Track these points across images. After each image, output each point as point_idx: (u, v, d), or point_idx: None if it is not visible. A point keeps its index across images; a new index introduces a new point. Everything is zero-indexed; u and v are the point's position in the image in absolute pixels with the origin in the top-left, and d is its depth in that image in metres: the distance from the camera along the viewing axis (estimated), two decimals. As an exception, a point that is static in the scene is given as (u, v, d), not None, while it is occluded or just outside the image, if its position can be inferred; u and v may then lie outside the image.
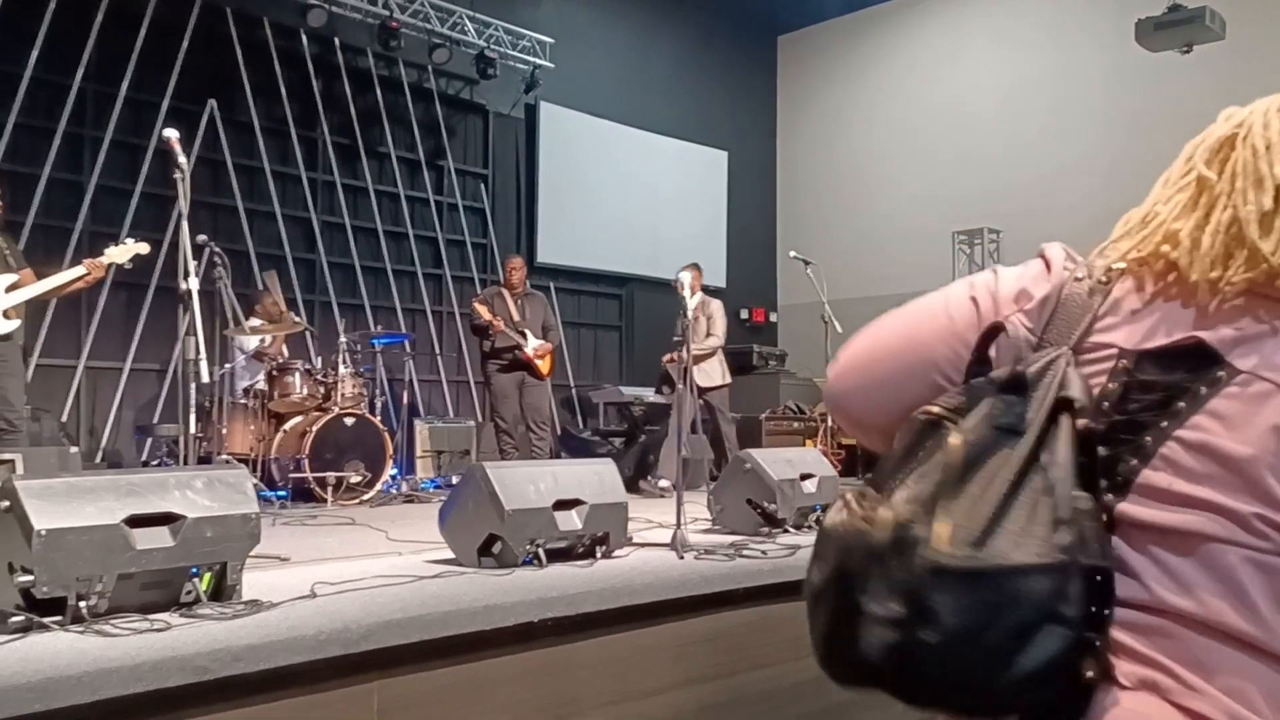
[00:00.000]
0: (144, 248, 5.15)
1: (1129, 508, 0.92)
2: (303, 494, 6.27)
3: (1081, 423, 0.92)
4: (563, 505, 3.42)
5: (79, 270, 5.15)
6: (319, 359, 7.29)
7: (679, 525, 3.75)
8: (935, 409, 0.97)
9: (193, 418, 3.83)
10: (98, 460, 7.47)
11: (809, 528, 4.30)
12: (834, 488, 4.62)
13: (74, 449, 5.65)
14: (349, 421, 6.59)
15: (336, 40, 9.48)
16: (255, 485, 5.96)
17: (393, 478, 7.03)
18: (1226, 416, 0.90)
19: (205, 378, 3.79)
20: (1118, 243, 1.05)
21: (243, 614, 2.49)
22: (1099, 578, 0.89)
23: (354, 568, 3.22)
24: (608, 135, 11.56)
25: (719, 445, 7.79)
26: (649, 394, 9.25)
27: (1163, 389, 0.93)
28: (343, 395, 6.71)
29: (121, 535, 2.40)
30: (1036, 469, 0.91)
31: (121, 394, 8.01)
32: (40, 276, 5.27)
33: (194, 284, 3.82)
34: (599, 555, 3.50)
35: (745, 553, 3.68)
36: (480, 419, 9.07)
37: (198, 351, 3.75)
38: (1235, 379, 0.91)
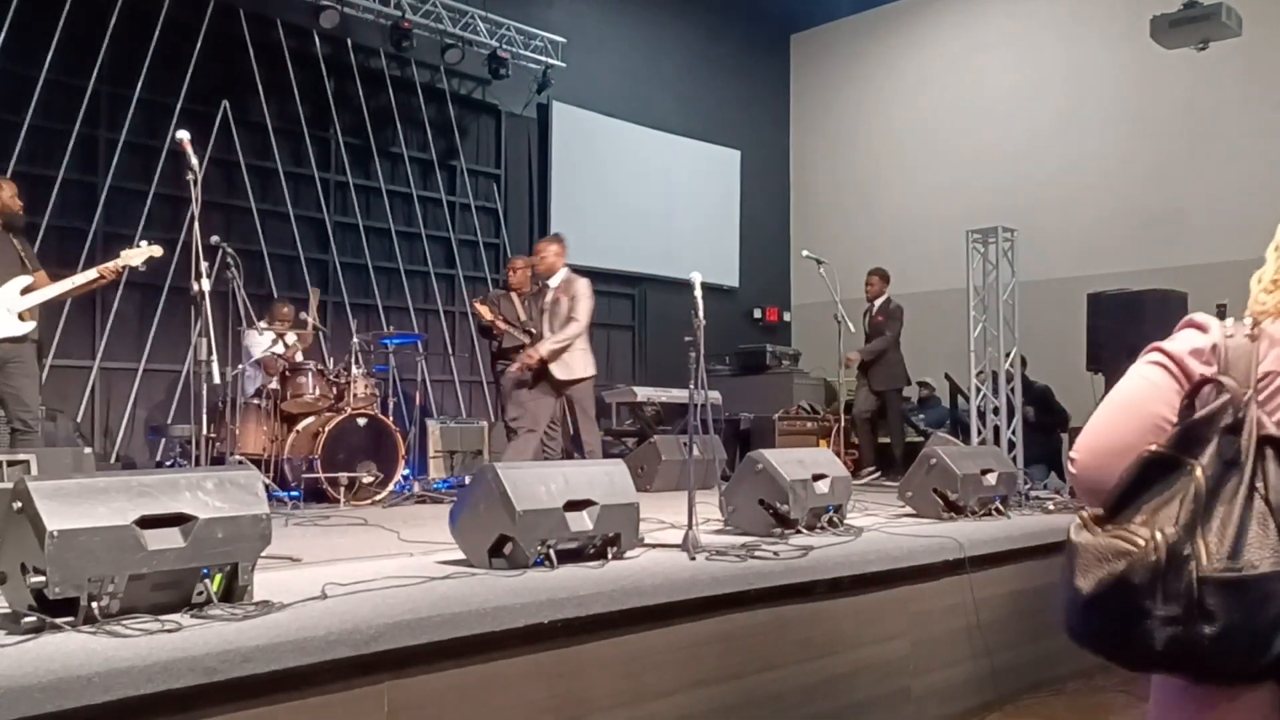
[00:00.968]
0: (158, 250, 5.17)
1: None
2: (315, 494, 6.29)
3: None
4: (574, 506, 3.42)
5: (91, 274, 5.16)
6: (331, 359, 7.30)
7: (690, 526, 3.73)
8: (1160, 448, 1.26)
9: (205, 418, 3.83)
10: (112, 461, 7.50)
11: (821, 529, 4.28)
12: (846, 488, 4.60)
13: (88, 450, 5.67)
14: (361, 422, 6.60)
15: (349, 41, 9.50)
16: (268, 486, 6.00)
17: (405, 478, 7.03)
18: None
19: (216, 379, 3.79)
20: (1254, 303, 1.37)
21: (253, 615, 2.49)
22: None
23: (365, 568, 3.22)
24: (620, 134, 11.55)
25: (579, 446, 6.51)
26: (663, 394, 9.24)
27: None
28: (355, 396, 6.72)
29: (133, 536, 2.41)
30: (1256, 493, 1.21)
31: (135, 395, 8.05)
32: (54, 279, 5.30)
33: (205, 285, 3.83)
34: (610, 556, 3.50)
35: (757, 554, 3.66)
36: (493, 419, 9.08)
37: (209, 352, 3.76)
38: None
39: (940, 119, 12.10)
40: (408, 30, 9.42)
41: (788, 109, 13.71)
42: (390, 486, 6.61)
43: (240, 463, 5.75)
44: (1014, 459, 7.56)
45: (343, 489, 6.25)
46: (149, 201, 8.09)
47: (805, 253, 8.58)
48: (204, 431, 3.92)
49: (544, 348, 5.97)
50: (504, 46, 10.20)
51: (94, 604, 2.33)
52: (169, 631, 2.31)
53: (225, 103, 8.63)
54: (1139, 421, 1.36)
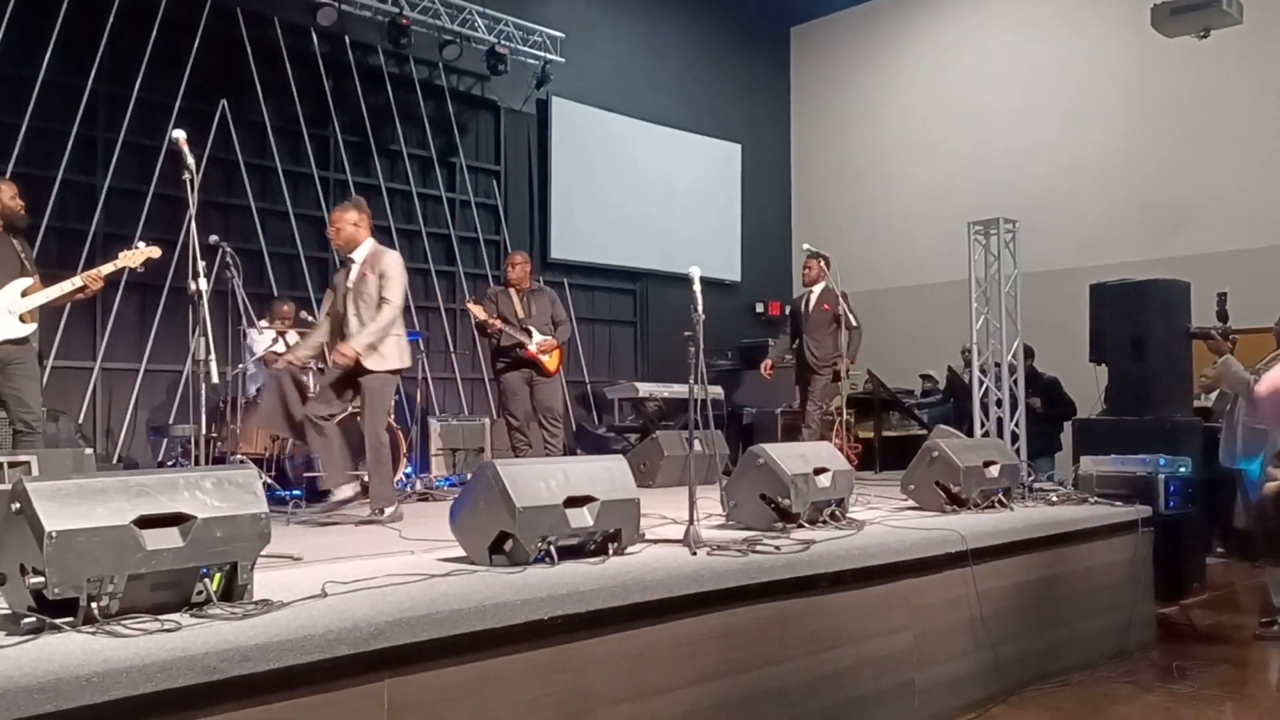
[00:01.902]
0: (155, 251, 5.15)
1: None
2: (317, 493, 6.27)
3: None
4: (574, 502, 3.40)
5: (76, 282, 5.13)
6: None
7: (692, 521, 3.72)
8: None
9: (205, 418, 3.82)
10: (114, 462, 7.51)
11: (823, 523, 4.27)
12: (849, 482, 4.58)
13: (89, 450, 5.66)
14: (363, 419, 6.57)
15: (347, 38, 9.49)
16: (269, 485, 5.99)
17: (407, 476, 7.03)
18: None
19: (215, 378, 3.78)
20: None
21: (253, 614, 2.49)
22: None
23: (366, 566, 3.21)
24: (620, 130, 11.53)
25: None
26: (665, 390, 9.23)
27: None
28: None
29: (132, 536, 2.40)
30: None
31: (136, 395, 8.05)
32: (51, 280, 5.28)
33: (203, 285, 3.82)
34: (611, 552, 3.48)
35: (759, 548, 3.65)
36: (494, 416, 9.07)
37: (208, 352, 3.75)
38: None
39: (941, 110, 12.08)
40: (406, 27, 9.41)
41: (788, 102, 13.69)
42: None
43: (241, 462, 5.74)
44: (1017, 451, 7.55)
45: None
46: (148, 201, 8.09)
47: (806, 246, 8.54)
48: (205, 431, 3.91)
49: (358, 343, 5.09)
50: (502, 42, 10.18)
51: (93, 604, 2.32)
52: (168, 631, 2.30)
53: (224, 102, 8.63)
54: None
